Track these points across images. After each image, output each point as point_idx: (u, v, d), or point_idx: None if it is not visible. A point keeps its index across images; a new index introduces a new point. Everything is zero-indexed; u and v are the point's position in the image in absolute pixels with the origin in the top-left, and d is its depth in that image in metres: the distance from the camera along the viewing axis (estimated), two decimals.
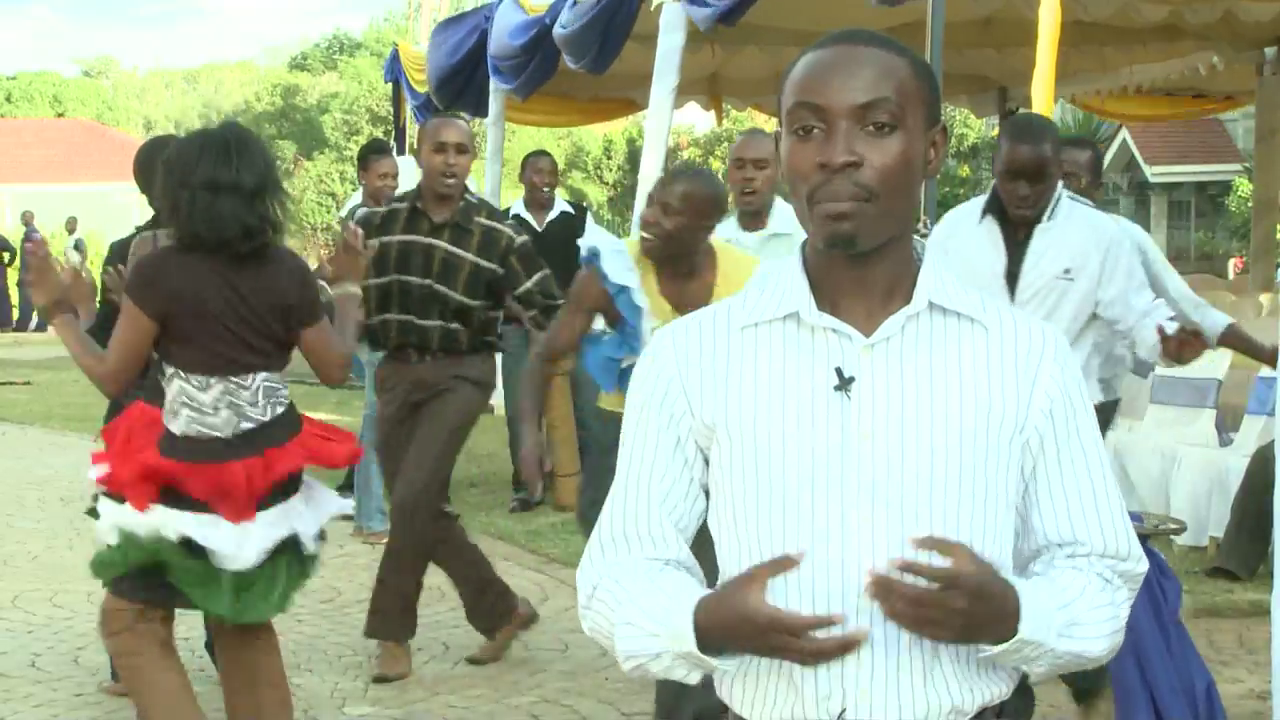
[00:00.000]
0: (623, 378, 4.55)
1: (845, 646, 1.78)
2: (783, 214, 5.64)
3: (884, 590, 1.76)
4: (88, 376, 4.05)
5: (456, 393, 5.55)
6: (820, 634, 1.77)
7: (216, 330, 3.99)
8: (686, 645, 1.84)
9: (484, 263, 5.51)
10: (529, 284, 5.54)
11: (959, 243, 4.79)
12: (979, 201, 4.86)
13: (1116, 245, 4.79)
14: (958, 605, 1.76)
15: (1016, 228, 4.73)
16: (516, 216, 8.72)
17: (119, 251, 5.00)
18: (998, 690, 1.91)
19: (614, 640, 1.92)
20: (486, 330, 5.65)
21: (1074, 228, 4.73)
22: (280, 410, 4.10)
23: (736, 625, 1.81)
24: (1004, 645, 1.81)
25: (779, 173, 1.96)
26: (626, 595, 1.92)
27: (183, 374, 4.01)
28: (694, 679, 1.90)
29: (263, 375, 4.07)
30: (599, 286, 4.61)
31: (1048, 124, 4.88)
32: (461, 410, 5.57)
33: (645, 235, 4.56)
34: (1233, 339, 5.56)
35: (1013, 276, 4.73)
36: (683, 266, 4.56)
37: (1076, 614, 1.87)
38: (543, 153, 9.26)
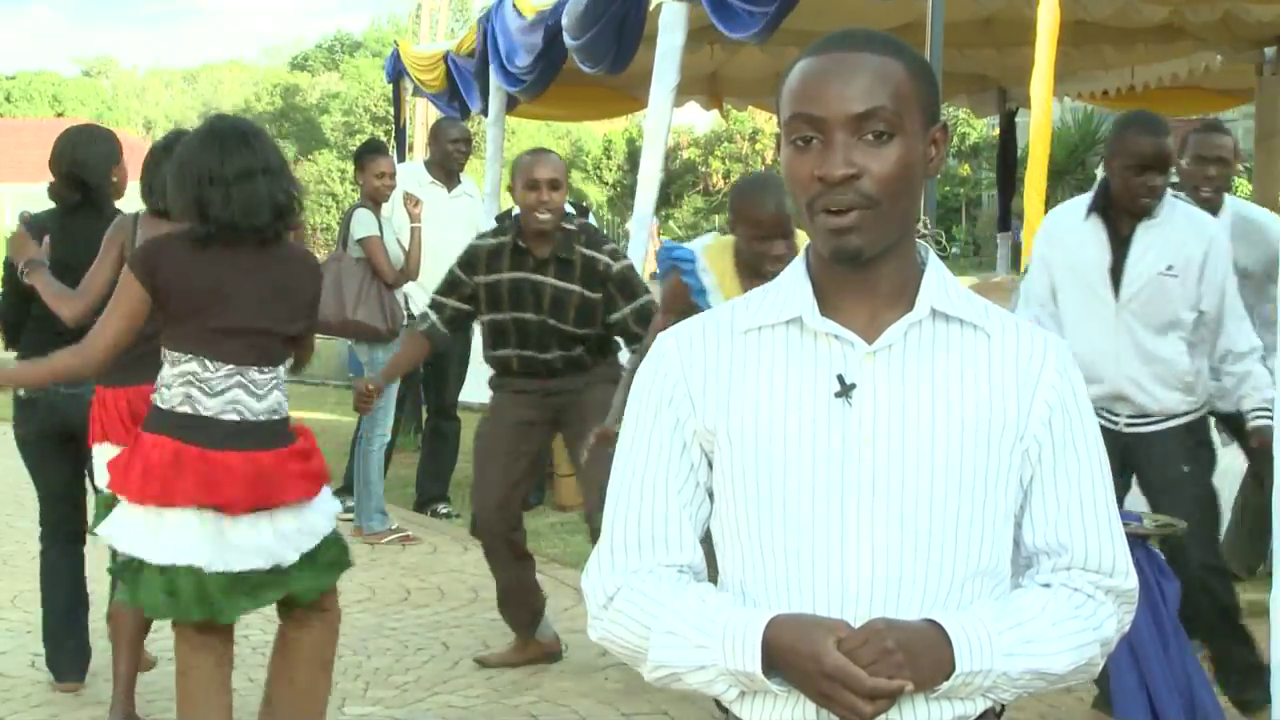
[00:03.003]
0: None
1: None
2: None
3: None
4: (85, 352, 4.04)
5: (594, 393, 5.57)
6: (868, 706, 1.78)
7: (238, 319, 4.02)
8: (749, 665, 1.83)
9: (589, 293, 5.55)
10: (625, 311, 5.57)
11: (1063, 240, 4.88)
12: (1083, 199, 4.92)
13: (1217, 245, 4.85)
14: (889, 645, 1.78)
15: (1120, 224, 4.79)
16: (519, 216, 8.70)
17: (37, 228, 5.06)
18: (1001, 695, 1.90)
19: (646, 649, 1.90)
20: (606, 343, 5.71)
21: (1177, 225, 4.80)
22: (279, 416, 4.11)
23: (802, 660, 1.80)
24: (947, 683, 1.82)
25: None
26: (661, 606, 1.90)
27: (206, 359, 4.01)
28: (731, 695, 1.89)
29: (276, 371, 4.09)
30: (685, 291, 4.82)
31: (1162, 119, 4.94)
32: (604, 407, 5.67)
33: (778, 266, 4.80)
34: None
35: (1116, 273, 4.79)
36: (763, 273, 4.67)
37: (1032, 632, 1.87)
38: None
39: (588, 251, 5.57)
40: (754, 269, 4.70)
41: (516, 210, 8.86)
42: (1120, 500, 4.97)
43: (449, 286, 5.61)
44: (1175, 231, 4.79)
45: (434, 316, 5.66)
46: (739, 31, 7.59)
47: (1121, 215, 4.80)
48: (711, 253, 4.87)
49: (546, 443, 5.87)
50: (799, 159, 1.87)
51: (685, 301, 4.80)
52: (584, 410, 5.50)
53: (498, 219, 5.86)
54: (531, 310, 5.51)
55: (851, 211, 1.84)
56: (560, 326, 5.53)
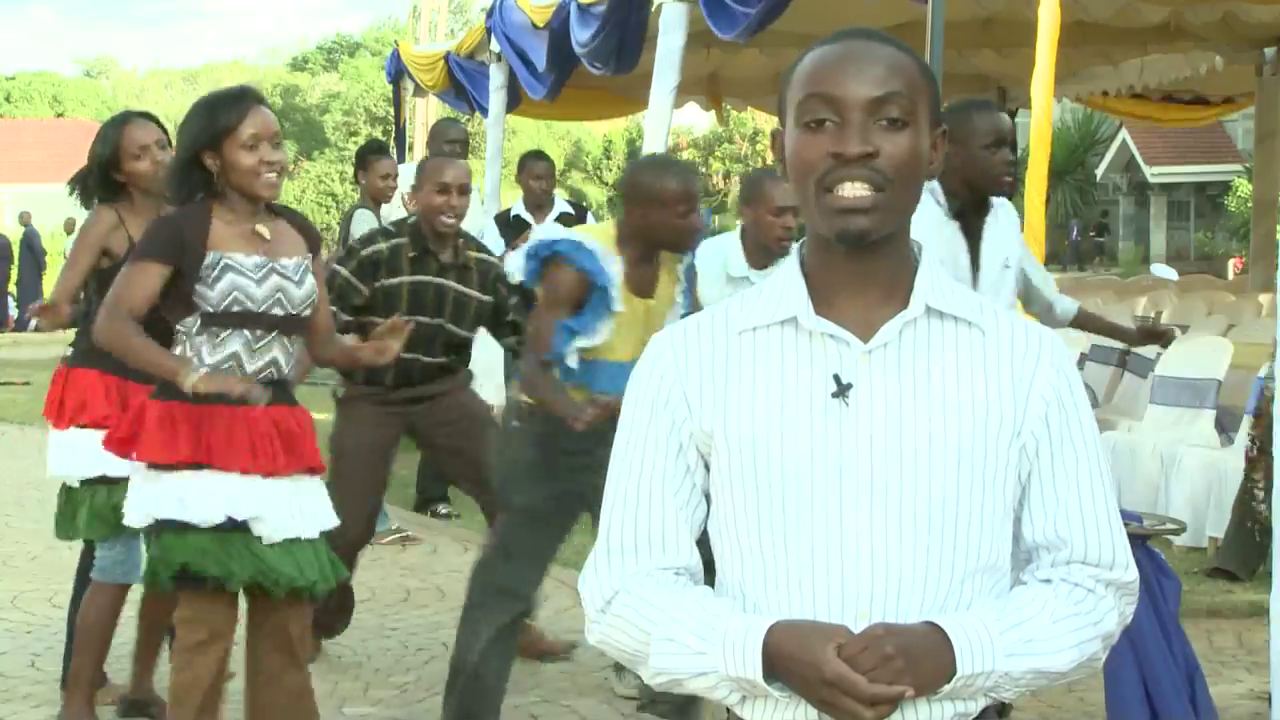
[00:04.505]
0: (567, 373, 4.56)
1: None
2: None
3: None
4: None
5: (455, 397, 5.60)
6: (869, 712, 1.78)
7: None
8: (750, 672, 1.83)
9: (484, 297, 5.55)
10: (514, 302, 5.55)
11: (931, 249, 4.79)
12: (930, 205, 4.73)
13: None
14: (889, 651, 1.78)
15: (972, 223, 4.73)
16: (517, 217, 8.71)
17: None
18: (1003, 694, 1.90)
19: (646, 654, 1.90)
20: (470, 349, 5.73)
21: (999, 217, 4.80)
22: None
23: (802, 667, 1.80)
24: (948, 685, 1.82)
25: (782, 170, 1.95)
26: (659, 611, 1.90)
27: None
28: (733, 700, 1.89)
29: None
30: (579, 280, 4.57)
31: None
32: (484, 406, 5.62)
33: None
34: (1085, 321, 5.50)
35: (974, 269, 4.74)
36: (654, 254, 4.66)
37: (1032, 631, 1.87)
38: (539, 155, 9.23)
39: (481, 255, 5.61)
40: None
41: (517, 211, 8.86)
42: None
43: (339, 297, 5.40)
44: (999, 224, 4.78)
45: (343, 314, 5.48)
46: (727, 31, 7.61)
47: (973, 212, 4.70)
48: (605, 240, 4.66)
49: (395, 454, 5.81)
50: (811, 140, 1.86)
51: (575, 292, 4.57)
52: (444, 414, 5.57)
53: (393, 224, 5.73)
54: (430, 314, 5.47)
55: (864, 188, 1.84)
56: (455, 330, 5.52)
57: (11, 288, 28.09)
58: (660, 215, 4.53)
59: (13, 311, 27.28)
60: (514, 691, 5.39)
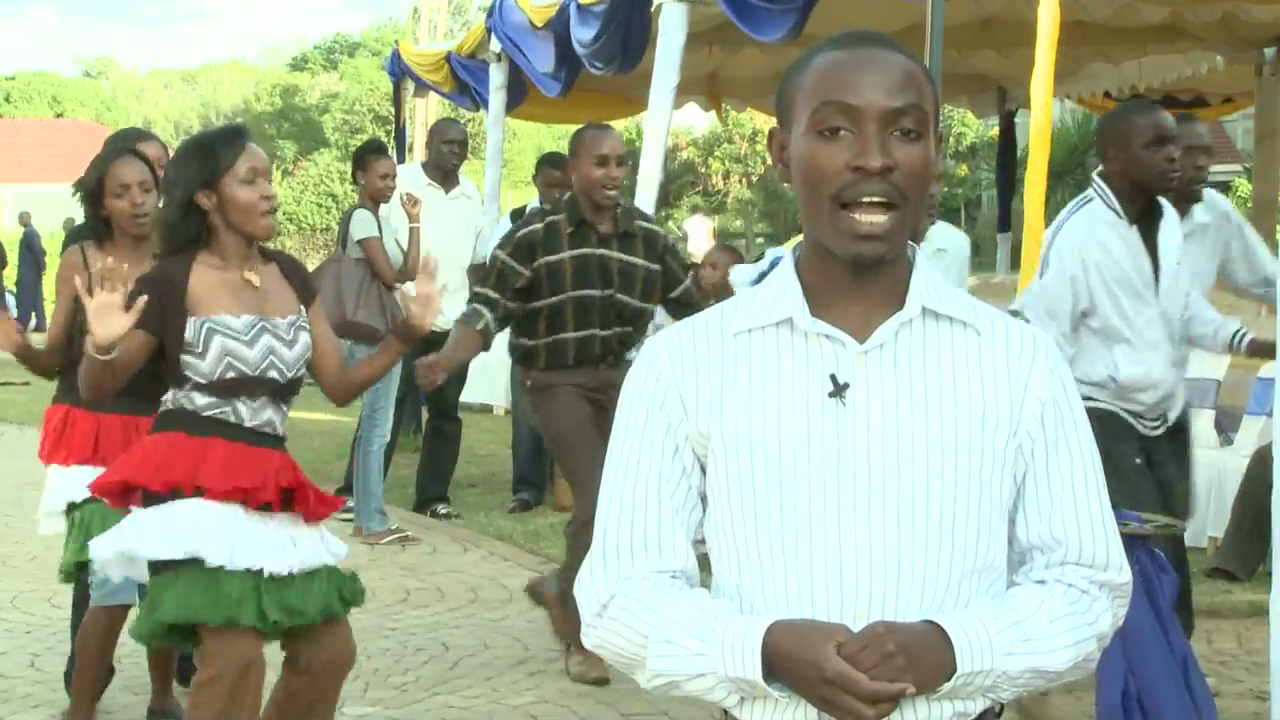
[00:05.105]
0: None
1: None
2: (943, 233, 5.88)
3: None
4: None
5: None
6: (870, 710, 1.78)
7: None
8: (749, 672, 1.83)
9: (652, 266, 5.62)
10: (687, 283, 5.70)
11: (1099, 252, 4.77)
12: (1092, 210, 4.78)
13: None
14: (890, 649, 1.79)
15: (1146, 224, 4.77)
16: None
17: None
18: (1001, 694, 1.90)
19: (643, 657, 1.90)
20: (644, 329, 5.77)
21: (1167, 214, 4.84)
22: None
23: (802, 666, 1.80)
24: (948, 684, 1.82)
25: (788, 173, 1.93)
26: (656, 614, 1.90)
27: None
28: (731, 702, 1.89)
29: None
30: None
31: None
32: None
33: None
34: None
35: (1156, 274, 4.80)
36: None
37: (1030, 630, 1.87)
38: (561, 157, 9.26)
39: (648, 225, 5.64)
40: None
41: (567, 193, 8.94)
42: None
43: (500, 282, 5.48)
44: (1167, 224, 4.83)
45: (488, 314, 5.50)
46: (766, 34, 7.57)
47: (1142, 215, 4.76)
48: None
49: None
50: (826, 149, 1.85)
51: None
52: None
53: (536, 211, 5.82)
54: (598, 286, 5.50)
55: (888, 213, 1.83)
56: (627, 300, 5.55)
57: (11, 287, 28.10)
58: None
59: (13, 311, 27.26)
60: (514, 692, 5.40)
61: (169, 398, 3.93)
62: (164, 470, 3.83)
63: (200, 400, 3.87)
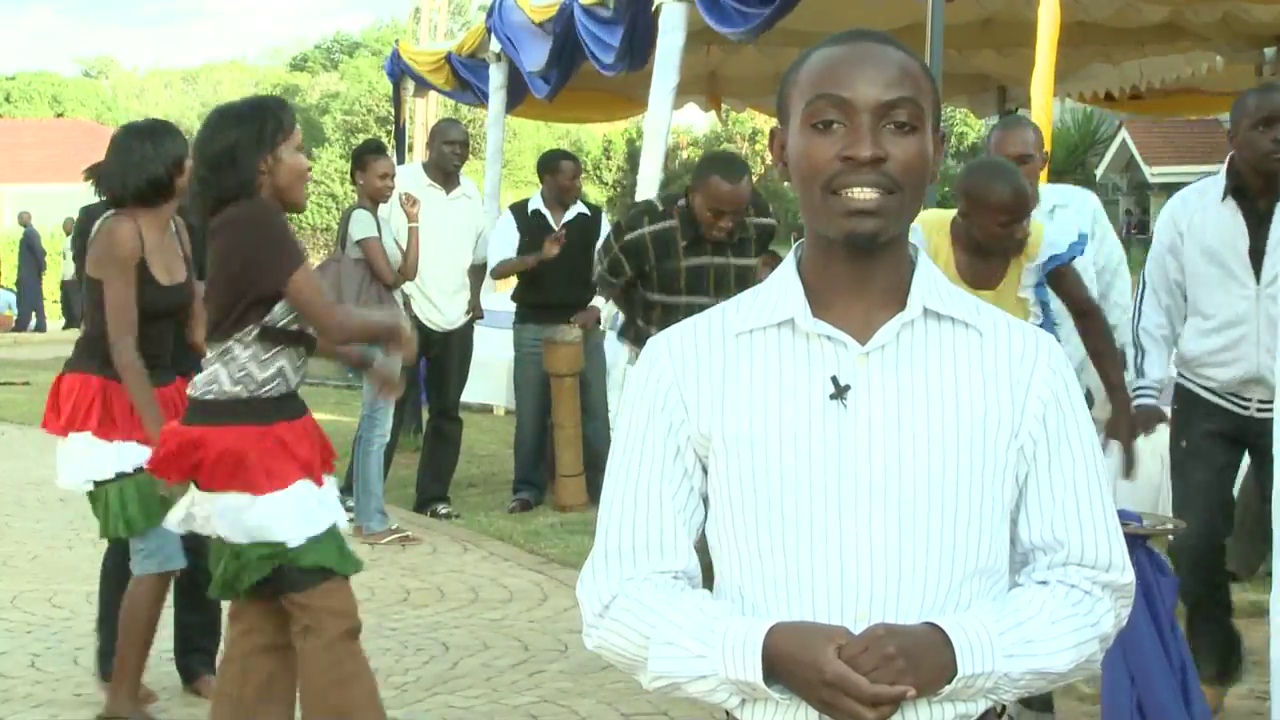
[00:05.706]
0: None
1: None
2: (1059, 191, 5.72)
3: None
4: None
5: None
6: (870, 712, 1.78)
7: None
8: (750, 674, 1.83)
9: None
10: None
11: (1194, 224, 4.80)
12: (1209, 183, 4.83)
13: None
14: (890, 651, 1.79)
15: (1257, 204, 4.73)
16: (535, 212, 8.74)
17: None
18: (1003, 696, 1.90)
19: (645, 658, 1.90)
20: None
21: None
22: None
23: (803, 668, 1.80)
24: (949, 686, 1.82)
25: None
26: (657, 615, 1.90)
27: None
28: (732, 703, 1.89)
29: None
30: None
31: None
32: None
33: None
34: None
35: (1256, 255, 4.74)
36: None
37: (1031, 632, 1.87)
38: (568, 156, 9.28)
39: (761, 221, 5.77)
40: (983, 249, 4.60)
41: (535, 205, 8.95)
42: (1234, 479, 5.05)
43: (610, 269, 5.73)
44: None
45: (615, 280, 5.82)
46: (729, 27, 7.60)
47: (1258, 195, 4.72)
48: (929, 225, 4.72)
49: None
50: (819, 141, 1.86)
51: None
52: None
53: (662, 201, 5.92)
54: (711, 293, 5.58)
55: (873, 191, 1.83)
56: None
57: (11, 286, 28.09)
58: (980, 219, 4.52)
59: (12, 311, 27.27)
60: (514, 692, 5.40)
61: (216, 387, 3.91)
62: (274, 477, 3.90)
63: (256, 373, 3.89)
